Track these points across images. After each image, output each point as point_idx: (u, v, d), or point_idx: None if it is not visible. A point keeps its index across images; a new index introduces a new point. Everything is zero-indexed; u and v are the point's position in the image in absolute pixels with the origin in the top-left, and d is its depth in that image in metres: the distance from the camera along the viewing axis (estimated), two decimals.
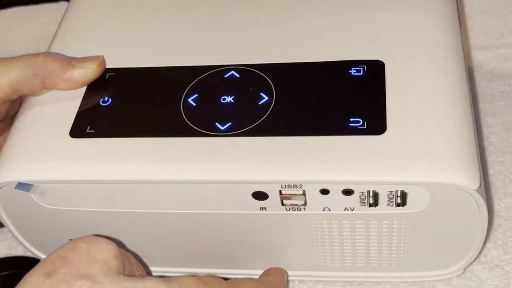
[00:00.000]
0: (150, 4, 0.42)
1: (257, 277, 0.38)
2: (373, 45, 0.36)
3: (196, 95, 0.36)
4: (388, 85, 0.34)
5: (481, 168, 0.32)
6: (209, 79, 0.36)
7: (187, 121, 0.34)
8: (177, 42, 0.39)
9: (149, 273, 0.40)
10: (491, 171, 0.45)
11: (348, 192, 0.32)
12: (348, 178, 0.31)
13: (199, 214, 0.35)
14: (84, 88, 0.37)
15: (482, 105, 0.49)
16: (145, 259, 0.39)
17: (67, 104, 0.36)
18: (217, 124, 0.34)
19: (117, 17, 0.41)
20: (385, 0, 0.39)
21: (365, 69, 0.35)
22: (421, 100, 0.33)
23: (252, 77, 0.36)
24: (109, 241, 0.32)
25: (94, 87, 0.37)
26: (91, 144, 0.34)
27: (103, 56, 0.38)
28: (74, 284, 0.29)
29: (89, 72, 0.37)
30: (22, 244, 0.39)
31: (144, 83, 0.37)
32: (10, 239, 0.44)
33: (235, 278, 0.35)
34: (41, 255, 0.40)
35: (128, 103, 0.36)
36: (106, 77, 0.37)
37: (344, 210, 0.33)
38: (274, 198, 0.33)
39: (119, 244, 0.33)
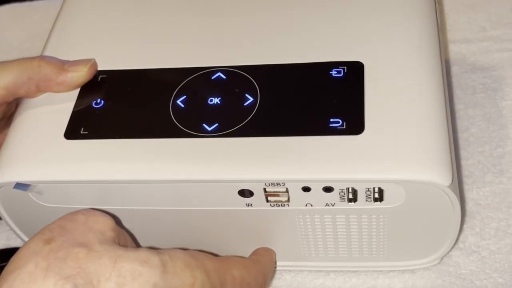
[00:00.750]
0: (140, 8, 0.43)
1: None
2: (354, 46, 0.38)
3: (185, 96, 0.37)
4: (367, 86, 0.36)
5: (454, 166, 0.34)
6: (197, 80, 0.38)
7: (176, 122, 0.36)
8: (166, 44, 0.40)
9: None
10: (471, 161, 0.46)
11: (328, 189, 0.34)
12: (328, 177, 0.33)
13: (188, 210, 0.36)
14: (78, 90, 0.39)
15: (464, 97, 0.50)
16: None
17: (62, 106, 0.38)
18: (204, 125, 0.36)
19: (108, 20, 0.42)
20: (366, 2, 0.40)
21: (345, 70, 0.37)
22: (397, 101, 0.35)
23: (238, 78, 0.37)
24: (106, 214, 0.33)
25: (87, 89, 0.38)
26: (85, 145, 0.36)
27: (94, 59, 0.39)
28: (71, 251, 0.30)
29: (81, 75, 0.38)
30: (21, 239, 0.41)
31: (135, 85, 0.38)
32: (8, 231, 0.45)
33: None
34: None
35: (120, 105, 0.37)
36: (99, 79, 0.39)
37: (325, 205, 0.35)
38: (259, 195, 0.35)
39: (116, 220, 0.34)
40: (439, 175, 0.32)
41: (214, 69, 0.38)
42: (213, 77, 0.38)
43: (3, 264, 0.43)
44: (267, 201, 0.35)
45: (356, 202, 0.35)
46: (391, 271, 0.41)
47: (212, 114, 0.36)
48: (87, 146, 0.36)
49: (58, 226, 0.32)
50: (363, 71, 0.36)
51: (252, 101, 0.36)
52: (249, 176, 0.34)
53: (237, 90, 0.37)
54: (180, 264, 0.31)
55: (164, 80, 0.38)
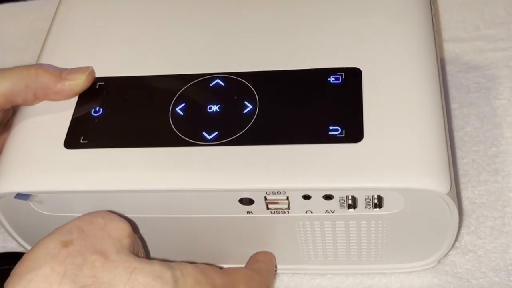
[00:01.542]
0: (138, 14, 0.43)
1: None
2: (351, 51, 0.38)
3: (184, 104, 0.37)
4: (365, 92, 0.36)
5: (452, 173, 0.34)
6: (196, 87, 0.38)
7: (176, 130, 0.36)
8: (164, 50, 0.40)
9: None
10: (465, 160, 0.47)
11: (328, 197, 0.34)
12: (328, 185, 0.33)
13: (188, 218, 0.37)
14: (76, 97, 0.38)
15: (458, 96, 0.50)
16: None
17: (60, 114, 0.38)
18: (204, 133, 0.36)
19: (105, 26, 0.42)
20: (361, 8, 0.40)
21: (343, 77, 0.37)
22: (396, 109, 0.35)
23: (236, 85, 0.37)
24: (123, 219, 0.33)
25: (86, 97, 0.38)
26: (85, 155, 0.36)
27: (92, 67, 0.39)
28: (88, 258, 0.30)
29: (79, 83, 0.38)
30: (22, 246, 0.41)
31: (134, 92, 0.38)
32: (4, 233, 0.45)
33: (229, 267, 0.37)
34: None
35: (119, 113, 0.37)
36: (97, 86, 0.39)
37: (325, 212, 0.36)
38: (259, 203, 0.35)
39: (131, 224, 0.35)
40: (438, 183, 0.33)
41: (213, 76, 0.38)
42: (211, 84, 0.38)
43: (2, 268, 0.43)
44: (268, 208, 0.36)
45: (356, 209, 0.35)
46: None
47: (211, 122, 0.36)
48: (88, 155, 0.36)
49: (77, 228, 0.32)
50: (361, 77, 0.37)
51: (251, 108, 0.36)
52: (250, 186, 0.34)
53: (235, 97, 0.37)
54: (191, 281, 0.32)
55: (163, 87, 0.38)
